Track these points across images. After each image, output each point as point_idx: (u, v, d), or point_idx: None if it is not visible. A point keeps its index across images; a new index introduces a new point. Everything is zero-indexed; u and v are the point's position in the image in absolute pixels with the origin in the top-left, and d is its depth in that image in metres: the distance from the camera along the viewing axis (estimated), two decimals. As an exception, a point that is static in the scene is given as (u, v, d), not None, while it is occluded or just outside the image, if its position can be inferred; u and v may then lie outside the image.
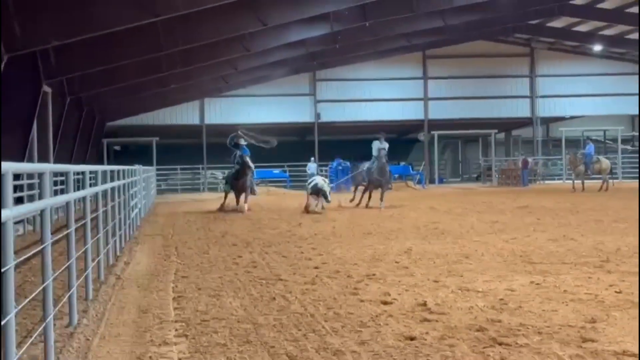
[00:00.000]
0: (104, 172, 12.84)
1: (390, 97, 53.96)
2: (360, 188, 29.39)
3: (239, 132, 27.92)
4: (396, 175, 49.02)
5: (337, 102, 53.52)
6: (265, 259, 14.06)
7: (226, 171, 52.10)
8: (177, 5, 20.82)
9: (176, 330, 8.21)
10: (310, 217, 24.07)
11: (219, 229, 20.59)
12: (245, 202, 26.94)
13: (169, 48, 26.23)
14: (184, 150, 53.66)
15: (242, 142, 27.81)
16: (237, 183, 27.03)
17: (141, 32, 23.79)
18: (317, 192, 26.18)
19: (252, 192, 27.92)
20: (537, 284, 10.58)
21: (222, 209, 27.54)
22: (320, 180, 27.03)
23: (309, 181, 28.05)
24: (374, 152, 28.49)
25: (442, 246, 15.29)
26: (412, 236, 17.41)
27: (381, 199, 27.55)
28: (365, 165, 29.00)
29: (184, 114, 52.39)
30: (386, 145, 28.62)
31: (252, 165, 27.33)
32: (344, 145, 53.23)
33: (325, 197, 26.23)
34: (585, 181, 38.37)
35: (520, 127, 59.17)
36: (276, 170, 50.87)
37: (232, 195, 27.97)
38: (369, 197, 28.58)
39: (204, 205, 33.06)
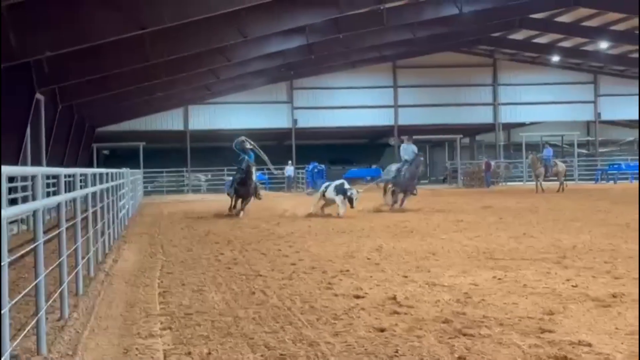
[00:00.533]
0: (94, 175, 12.78)
1: (363, 104, 54.01)
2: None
3: (243, 137, 26.99)
4: (368, 178, 49.15)
5: (312, 109, 53.52)
6: (245, 256, 14.03)
7: (209, 174, 52.49)
8: (163, 18, 20.75)
9: (161, 323, 8.18)
10: (287, 216, 24.00)
11: (202, 228, 20.52)
12: (242, 208, 25.02)
13: (154, 58, 26.14)
14: (168, 154, 53.47)
15: (248, 146, 26.33)
16: (240, 189, 25.28)
17: (129, 43, 23.71)
18: (344, 193, 23.45)
19: (258, 197, 25.78)
20: (499, 278, 10.60)
21: (231, 211, 25.52)
22: (341, 184, 24.13)
23: (325, 184, 25.07)
24: (406, 156, 26.16)
25: (410, 244, 15.29)
26: (383, 234, 17.40)
27: (402, 203, 25.62)
28: (393, 167, 26.84)
29: (169, 120, 52.26)
30: (415, 148, 26.57)
31: (255, 173, 25.97)
32: (320, 149, 53.28)
33: (351, 202, 23.30)
34: (543, 183, 38.56)
35: (483, 132, 59.37)
36: (256, 173, 50.71)
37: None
38: (394, 201, 25.90)
39: (188, 206, 32.98)
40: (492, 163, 51.06)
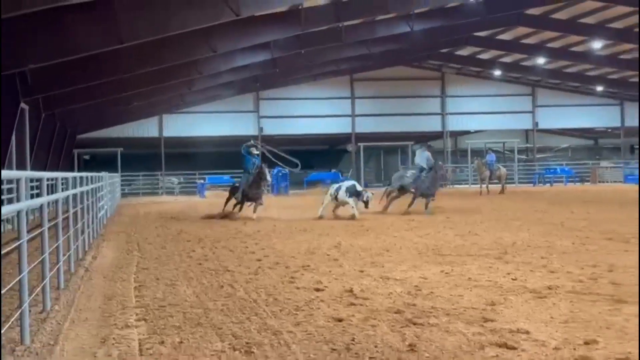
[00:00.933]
0: (74, 179, 12.65)
1: (323, 113, 54.04)
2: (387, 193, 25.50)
3: (252, 141, 26.15)
4: (328, 181, 49.16)
5: (277, 118, 53.43)
6: (215, 253, 13.98)
7: (182, 177, 52.21)
8: (140, 33, 20.61)
9: (137, 314, 8.11)
10: (255, 215, 23.86)
11: (175, 228, 20.38)
12: (255, 211, 23.20)
13: (132, 71, 25.97)
14: (144, 159, 53.06)
15: (255, 151, 25.01)
16: (251, 192, 23.44)
17: (108, 56, 23.51)
18: (357, 195, 22.03)
19: (260, 202, 23.79)
20: (446, 272, 10.65)
21: (224, 214, 23.78)
22: (352, 186, 22.59)
23: (335, 187, 23.08)
24: (423, 162, 24.54)
25: (366, 241, 15.32)
26: (341, 233, 17.41)
27: (426, 206, 23.82)
28: (409, 172, 25.42)
29: (145, 128, 51.90)
30: (429, 155, 25.16)
31: (269, 177, 24.52)
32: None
33: (367, 203, 21.94)
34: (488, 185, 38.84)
35: (433, 139, 59.53)
36: (226, 176, 50.57)
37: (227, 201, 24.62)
38: (410, 204, 24.28)
39: (162, 206, 32.77)
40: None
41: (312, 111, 53.75)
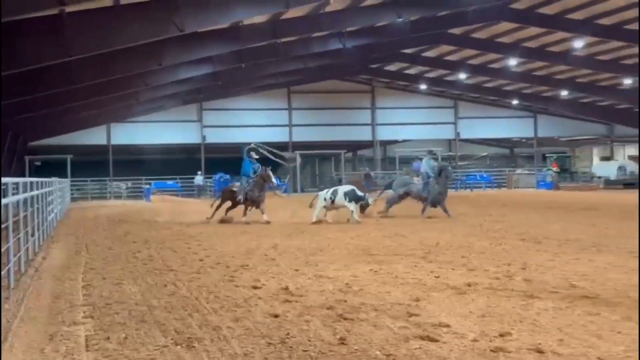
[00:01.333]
0: (25, 184, 12.39)
1: (263, 123, 53.98)
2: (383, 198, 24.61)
3: (253, 145, 25.11)
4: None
5: (220, 127, 53.17)
6: (159, 253, 13.81)
7: (129, 182, 51.49)
8: (89, 47, 20.34)
9: (84, 312, 7.96)
10: (198, 219, 23.62)
11: (122, 230, 20.10)
12: (263, 213, 21.96)
13: (81, 82, 25.57)
14: (93, 165, 52.24)
15: (255, 156, 23.59)
16: (254, 195, 22.22)
17: (58, 68, 23.14)
18: (357, 199, 20.92)
19: (264, 206, 22.47)
20: (375, 271, 10.67)
21: (224, 219, 22.12)
22: (351, 190, 21.27)
23: (331, 191, 21.60)
24: (429, 170, 23.38)
25: (302, 242, 15.30)
26: (279, 234, 17.37)
27: (446, 210, 22.53)
28: (414, 179, 24.41)
29: (93, 136, 51.10)
30: (435, 164, 24.47)
31: (274, 180, 23.30)
32: (226, 162, 52.74)
33: (365, 208, 21.18)
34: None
35: (364, 148, 60.00)
36: (170, 182, 50.11)
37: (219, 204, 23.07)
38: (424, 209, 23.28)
39: (110, 210, 32.30)
40: (372, 174, 51.64)
41: (252, 121, 53.64)
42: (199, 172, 50.07)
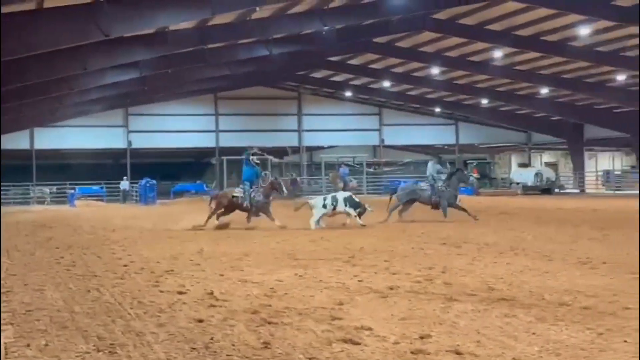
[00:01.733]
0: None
1: (189, 129, 53.51)
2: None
3: (255, 150, 24.23)
4: (193, 191, 48.67)
5: (146, 132, 52.48)
6: (83, 259, 13.55)
7: (54, 187, 50.28)
8: (12, 49, 19.84)
9: (4, 319, 7.74)
10: (123, 223, 23.27)
11: (45, 235, 19.63)
12: (273, 219, 21.03)
13: (3, 86, 24.88)
14: (16, 170, 50.90)
15: (255, 160, 22.83)
16: (261, 202, 21.42)
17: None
18: (357, 206, 20.65)
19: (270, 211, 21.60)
20: (300, 275, 10.70)
21: (222, 225, 21.25)
22: (350, 196, 21.22)
23: (329, 198, 21.10)
24: (435, 173, 23.26)
25: (227, 247, 15.21)
26: (205, 239, 17.20)
27: (465, 210, 22.27)
28: (421, 184, 23.66)
29: (16, 140, 49.76)
30: (440, 167, 24.13)
31: (285, 189, 22.66)
32: (153, 166, 52.17)
33: (361, 215, 20.64)
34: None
35: (291, 153, 60.09)
36: (95, 187, 49.21)
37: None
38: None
39: (32, 215, 31.53)
40: (298, 179, 51.75)
41: (179, 126, 53.12)
42: (125, 178, 49.35)
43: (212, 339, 6.71)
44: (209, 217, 21.43)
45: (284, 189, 22.48)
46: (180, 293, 9.22)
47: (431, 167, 23.82)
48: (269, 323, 7.32)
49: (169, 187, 48.85)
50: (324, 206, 20.84)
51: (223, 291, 9.31)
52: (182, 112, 53.16)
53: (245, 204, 21.56)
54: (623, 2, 26.91)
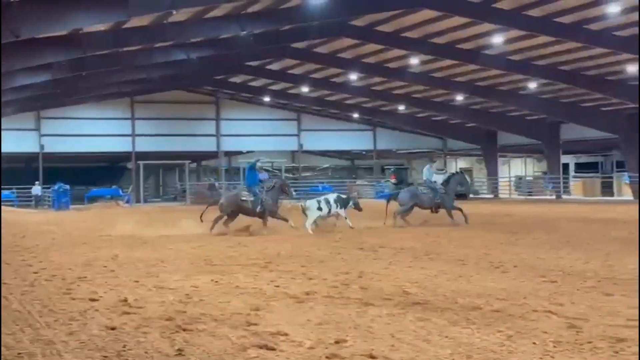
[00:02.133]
0: None
1: (105, 132, 52.48)
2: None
3: (260, 158, 23.72)
4: (108, 196, 47.79)
5: (59, 136, 51.27)
6: (-9, 266, 13.13)
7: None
8: None
9: None
10: (34, 229, 22.63)
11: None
12: (287, 220, 20.88)
13: None
14: None
15: (259, 165, 23.11)
16: (272, 206, 21.16)
17: None
18: (347, 203, 20.95)
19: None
20: (216, 281, 10.63)
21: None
22: (338, 195, 21.42)
23: (322, 200, 21.02)
24: (432, 177, 23.21)
25: (143, 253, 14.98)
26: (120, 245, 16.91)
27: (461, 210, 22.34)
28: (421, 188, 23.37)
29: None
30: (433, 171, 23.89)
31: (293, 192, 23.00)
32: (67, 171, 51.02)
33: (357, 206, 21.24)
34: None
35: (208, 158, 59.65)
36: (5, 192, 47.81)
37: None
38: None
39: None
40: (216, 184, 51.46)
41: (94, 130, 52.06)
42: (37, 182, 48.16)
43: (124, 346, 6.59)
44: (215, 222, 20.84)
45: (292, 191, 22.60)
46: (93, 300, 9.03)
47: (427, 171, 23.63)
48: (184, 330, 7.25)
49: (83, 192, 47.87)
50: (319, 209, 20.77)
51: (137, 298, 9.17)
52: (97, 115, 52.16)
53: (259, 208, 21.14)
54: (534, 13, 27.69)
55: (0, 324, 6.45)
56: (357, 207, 21.60)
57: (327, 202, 21.01)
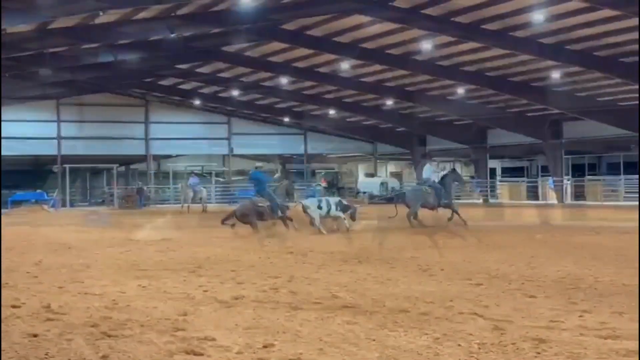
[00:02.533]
0: None
1: (29, 135, 51.31)
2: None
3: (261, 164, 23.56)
4: (33, 200, 46.72)
5: (-19, 139, 49.94)
6: None
7: None
8: None
9: None
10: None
11: None
12: (291, 219, 21.30)
13: None
14: None
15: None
16: (282, 206, 21.37)
17: None
18: (347, 209, 20.97)
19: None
20: (144, 286, 10.50)
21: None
22: (339, 200, 21.59)
23: (324, 201, 21.20)
24: (430, 175, 22.95)
25: (68, 258, 14.69)
26: (44, 250, 16.54)
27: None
28: (424, 188, 22.71)
29: None
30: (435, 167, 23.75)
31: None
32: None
33: (353, 215, 21.04)
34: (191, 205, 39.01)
35: (137, 162, 58.79)
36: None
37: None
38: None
39: None
40: (145, 188, 50.81)
41: (18, 133, 50.79)
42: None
43: (47, 354, 6.46)
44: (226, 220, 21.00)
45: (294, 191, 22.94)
46: (15, 307, 8.81)
47: (428, 170, 23.28)
48: (109, 336, 7.14)
49: (7, 196, 46.68)
50: (319, 207, 20.74)
51: (61, 304, 8.99)
52: (21, 117, 50.94)
53: (279, 213, 21.10)
54: (462, 19, 28.16)
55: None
56: (353, 217, 21.29)
57: (328, 204, 21.00)
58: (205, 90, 49.88)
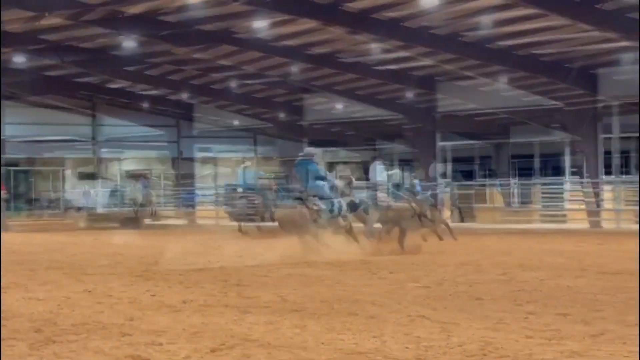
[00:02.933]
0: None
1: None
2: None
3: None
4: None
5: None
6: None
7: None
8: None
9: None
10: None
11: None
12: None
13: None
14: None
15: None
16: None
17: None
18: (356, 207, 19.41)
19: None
20: (90, 291, 10.37)
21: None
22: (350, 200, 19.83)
23: (336, 201, 18.96)
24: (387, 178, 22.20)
25: (11, 263, 14.42)
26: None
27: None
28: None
29: None
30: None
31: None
32: None
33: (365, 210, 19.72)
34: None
35: (84, 165, 58.04)
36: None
37: None
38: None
39: None
40: (91, 191, 50.17)
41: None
42: None
43: (-12, 361, 6.32)
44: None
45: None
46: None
47: (378, 170, 22.57)
48: (54, 342, 7.00)
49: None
50: (331, 211, 18.83)
51: (5, 309, 8.79)
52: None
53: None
54: (410, 24, 28.32)
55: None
56: (365, 210, 20.01)
57: (340, 204, 19.11)
58: (155, 92, 49.43)
